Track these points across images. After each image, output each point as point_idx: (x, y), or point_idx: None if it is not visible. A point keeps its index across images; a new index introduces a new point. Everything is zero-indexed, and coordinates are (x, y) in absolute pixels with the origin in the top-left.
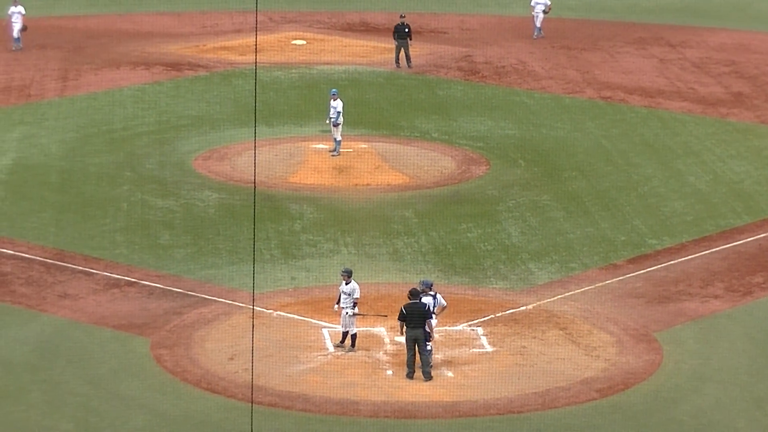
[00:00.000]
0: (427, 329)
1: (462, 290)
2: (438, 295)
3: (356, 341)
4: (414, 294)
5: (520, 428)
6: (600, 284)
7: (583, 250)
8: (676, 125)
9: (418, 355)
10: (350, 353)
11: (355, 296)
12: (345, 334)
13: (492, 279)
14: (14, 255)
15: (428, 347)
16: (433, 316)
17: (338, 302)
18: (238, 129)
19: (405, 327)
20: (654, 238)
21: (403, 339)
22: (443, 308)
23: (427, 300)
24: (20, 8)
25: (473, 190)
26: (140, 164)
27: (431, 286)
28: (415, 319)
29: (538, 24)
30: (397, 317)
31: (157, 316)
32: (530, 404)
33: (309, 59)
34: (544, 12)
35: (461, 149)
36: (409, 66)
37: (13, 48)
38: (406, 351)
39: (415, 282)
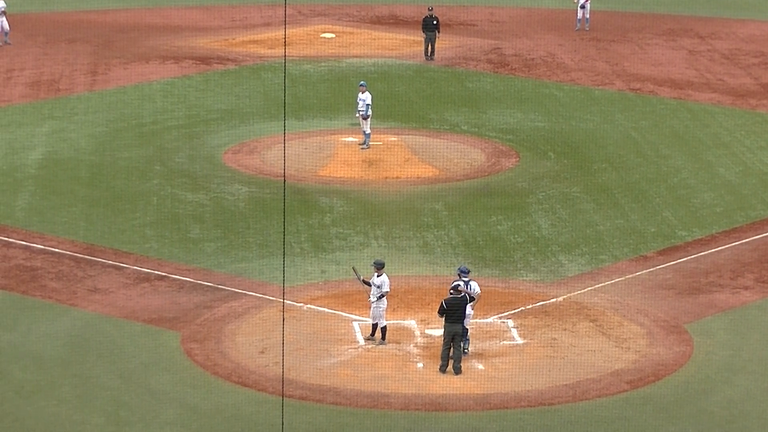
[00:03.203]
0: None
1: (492, 282)
2: (471, 282)
3: (386, 334)
4: (456, 289)
5: (550, 420)
6: (630, 276)
7: (613, 242)
8: (706, 117)
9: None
10: (381, 346)
11: (384, 289)
12: (375, 326)
13: (522, 271)
14: (44, 249)
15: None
16: (469, 307)
17: (370, 294)
18: (267, 122)
19: (444, 321)
20: (684, 230)
21: (433, 332)
22: (477, 297)
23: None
24: (3, 4)
25: (503, 183)
26: (170, 158)
27: (468, 272)
28: (455, 314)
29: (586, 16)
30: (437, 311)
31: (188, 310)
32: (561, 396)
33: (338, 52)
34: (582, 7)
35: (491, 142)
36: (432, 58)
37: (9, 42)
38: (442, 344)
39: (445, 275)
